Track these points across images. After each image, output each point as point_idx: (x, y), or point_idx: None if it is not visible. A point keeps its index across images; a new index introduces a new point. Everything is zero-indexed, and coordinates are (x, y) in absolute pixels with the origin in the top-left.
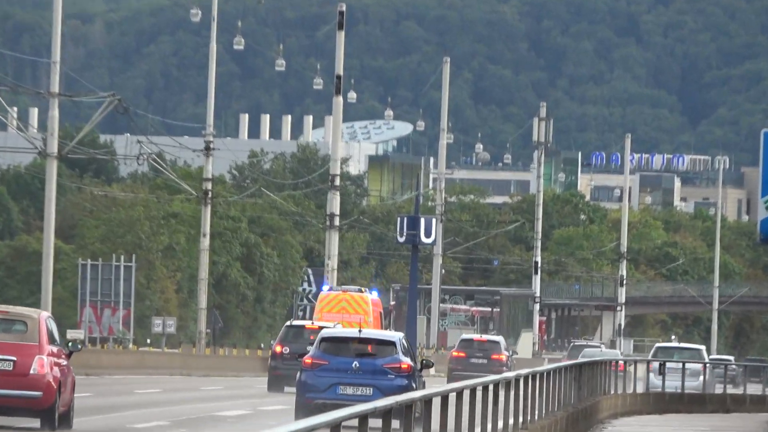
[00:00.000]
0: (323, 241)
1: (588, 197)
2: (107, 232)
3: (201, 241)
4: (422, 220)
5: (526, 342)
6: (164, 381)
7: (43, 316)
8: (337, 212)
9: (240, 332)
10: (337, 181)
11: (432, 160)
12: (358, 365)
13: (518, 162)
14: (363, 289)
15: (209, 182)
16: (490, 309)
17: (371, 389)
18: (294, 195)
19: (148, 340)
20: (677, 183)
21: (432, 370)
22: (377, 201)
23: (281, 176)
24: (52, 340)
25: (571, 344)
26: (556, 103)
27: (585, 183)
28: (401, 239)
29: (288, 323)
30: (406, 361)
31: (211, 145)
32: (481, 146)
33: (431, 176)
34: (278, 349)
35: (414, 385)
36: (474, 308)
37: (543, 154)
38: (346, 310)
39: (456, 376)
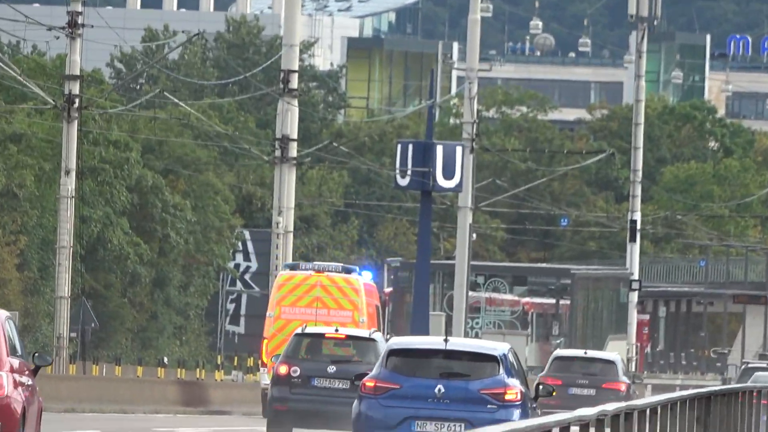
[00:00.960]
0: (270, 185)
1: (722, 111)
2: None
3: (61, 183)
4: (439, 150)
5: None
6: None
7: (1, 317)
8: (295, 135)
9: (128, 338)
10: (295, 82)
11: (456, 46)
12: (443, 390)
13: (603, 51)
14: (351, 267)
15: (76, 82)
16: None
17: (462, 425)
18: (220, 105)
19: None
20: None
21: None
22: (362, 116)
23: (199, 73)
24: (13, 350)
25: (744, 365)
26: None
27: (717, 88)
28: (403, 182)
29: (299, 331)
30: (515, 386)
31: (80, 20)
32: (541, 24)
33: (455, 74)
34: (283, 369)
35: None
36: (527, 299)
37: (645, 39)
38: (323, 303)
39: (547, 414)
